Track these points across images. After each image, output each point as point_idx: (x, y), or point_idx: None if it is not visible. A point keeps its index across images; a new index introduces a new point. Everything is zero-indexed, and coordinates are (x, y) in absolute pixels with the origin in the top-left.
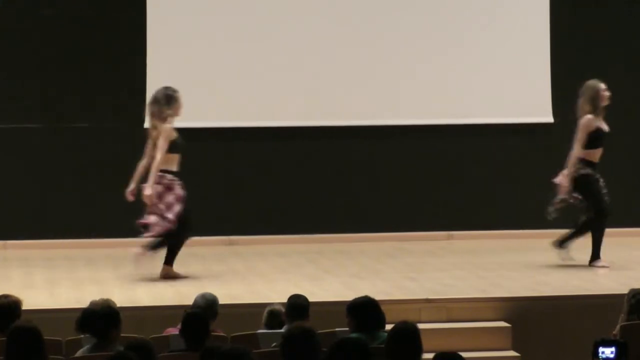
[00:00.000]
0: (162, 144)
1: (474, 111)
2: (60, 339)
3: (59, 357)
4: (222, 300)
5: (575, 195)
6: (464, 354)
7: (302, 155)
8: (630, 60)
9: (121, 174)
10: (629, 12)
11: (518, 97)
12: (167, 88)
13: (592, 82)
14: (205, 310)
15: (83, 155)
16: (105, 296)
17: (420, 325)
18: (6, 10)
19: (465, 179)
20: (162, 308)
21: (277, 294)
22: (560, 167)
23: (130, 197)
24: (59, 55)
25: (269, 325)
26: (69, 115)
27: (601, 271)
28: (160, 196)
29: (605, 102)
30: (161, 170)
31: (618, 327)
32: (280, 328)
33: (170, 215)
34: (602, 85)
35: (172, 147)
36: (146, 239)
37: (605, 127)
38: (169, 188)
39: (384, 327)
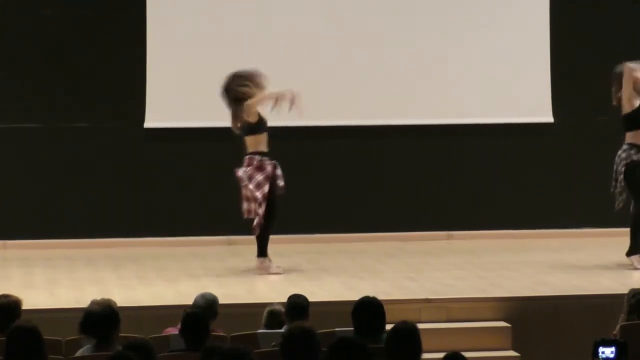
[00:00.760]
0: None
1: (474, 111)
2: (60, 339)
3: (58, 357)
4: (222, 300)
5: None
6: (464, 354)
7: (302, 155)
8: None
9: (121, 173)
10: (629, 12)
11: (518, 97)
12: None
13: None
14: (205, 310)
15: (83, 155)
16: (105, 296)
17: (420, 325)
18: (6, 10)
19: (465, 179)
20: (162, 308)
21: (277, 294)
22: (559, 167)
23: None
24: (58, 55)
25: (268, 325)
26: (69, 115)
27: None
28: (250, 177)
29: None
30: (250, 152)
31: (618, 327)
32: (280, 328)
33: (258, 195)
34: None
35: (259, 127)
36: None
37: None
38: (259, 168)
39: (384, 328)
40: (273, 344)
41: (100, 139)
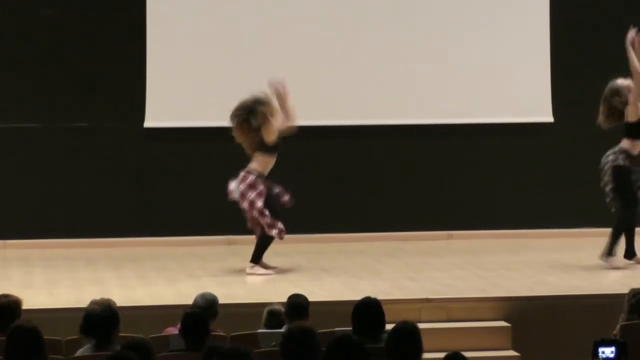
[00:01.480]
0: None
1: (474, 111)
2: (60, 338)
3: (58, 357)
4: (222, 300)
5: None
6: (464, 354)
7: (302, 155)
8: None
9: (121, 173)
10: (629, 12)
11: (518, 97)
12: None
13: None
14: (205, 310)
15: (83, 155)
16: (105, 296)
17: (420, 325)
18: (6, 10)
19: (465, 179)
20: (162, 308)
21: (277, 294)
22: (559, 167)
23: None
24: (58, 55)
25: (268, 325)
26: (69, 115)
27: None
28: (243, 195)
29: None
30: (248, 170)
31: (618, 327)
32: (280, 328)
33: (255, 215)
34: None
35: (274, 149)
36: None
37: None
38: (251, 186)
39: (384, 328)
40: (273, 343)
41: (100, 139)
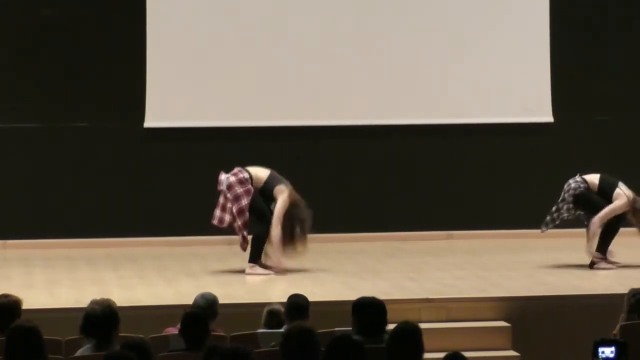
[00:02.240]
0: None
1: (474, 111)
2: (60, 338)
3: (58, 356)
4: (222, 300)
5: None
6: (464, 354)
7: (302, 155)
8: (630, 60)
9: (121, 173)
10: (628, 12)
11: (518, 97)
12: None
13: None
14: (205, 310)
15: (83, 155)
16: (105, 296)
17: (421, 325)
18: (6, 10)
19: (465, 179)
20: (162, 308)
21: (277, 294)
22: (559, 167)
23: None
24: (58, 55)
25: (268, 325)
26: (69, 115)
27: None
28: (230, 187)
29: None
30: (245, 176)
31: (618, 327)
32: (280, 328)
33: (235, 210)
34: None
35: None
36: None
37: None
38: (241, 182)
39: (385, 328)
40: (273, 343)
41: (100, 139)
